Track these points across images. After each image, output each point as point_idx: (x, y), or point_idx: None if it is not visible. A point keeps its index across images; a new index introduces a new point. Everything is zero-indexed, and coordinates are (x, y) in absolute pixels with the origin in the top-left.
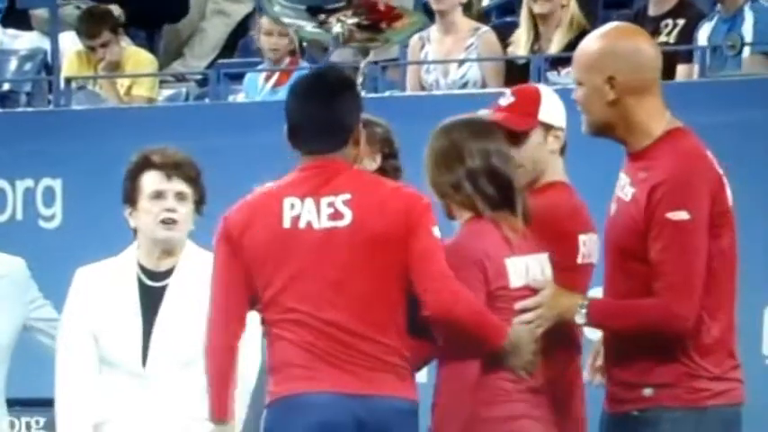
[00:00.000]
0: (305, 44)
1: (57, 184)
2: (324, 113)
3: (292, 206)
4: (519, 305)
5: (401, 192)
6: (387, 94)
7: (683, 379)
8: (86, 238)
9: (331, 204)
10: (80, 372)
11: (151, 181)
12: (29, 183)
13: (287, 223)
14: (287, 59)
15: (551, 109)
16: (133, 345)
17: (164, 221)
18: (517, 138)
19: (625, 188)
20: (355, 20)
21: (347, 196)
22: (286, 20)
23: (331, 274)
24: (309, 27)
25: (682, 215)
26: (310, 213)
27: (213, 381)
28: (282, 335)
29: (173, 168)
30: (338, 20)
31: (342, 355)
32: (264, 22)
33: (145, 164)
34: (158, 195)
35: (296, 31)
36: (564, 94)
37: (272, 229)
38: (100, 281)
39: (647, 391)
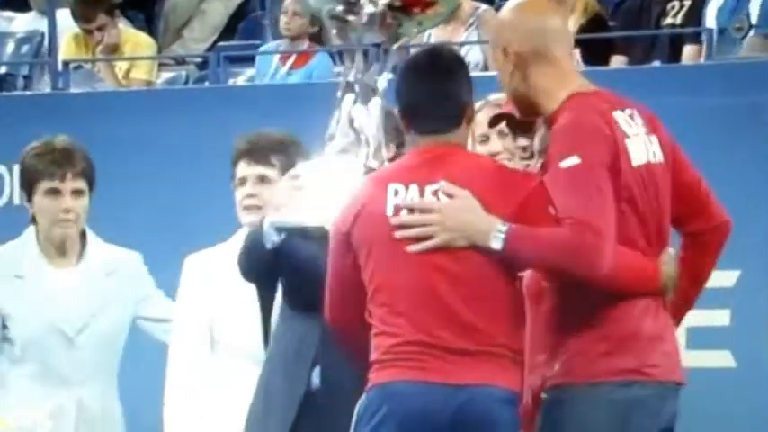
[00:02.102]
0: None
1: None
2: (442, 91)
3: (396, 192)
4: (396, 219)
5: (515, 176)
6: (390, 76)
7: (580, 353)
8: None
9: (435, 193)
10: (193, 362)
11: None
12: None
13: (390, 211)
14: (306, 44)
15: None
16: (254, 328)
17: (246, 207)
18: (529, 127)
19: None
20: (387, 1)
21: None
22: (314, 3)
23: None
24: (339, 8)
25: (573, 160)
26: (413, 202)
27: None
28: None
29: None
30: (370, 1)
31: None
32: (289, 2)
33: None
34: (242, 182)
35: (327, 12)
36: None
37: (376, 217)
38: (213, 267)
39: (556, 367)
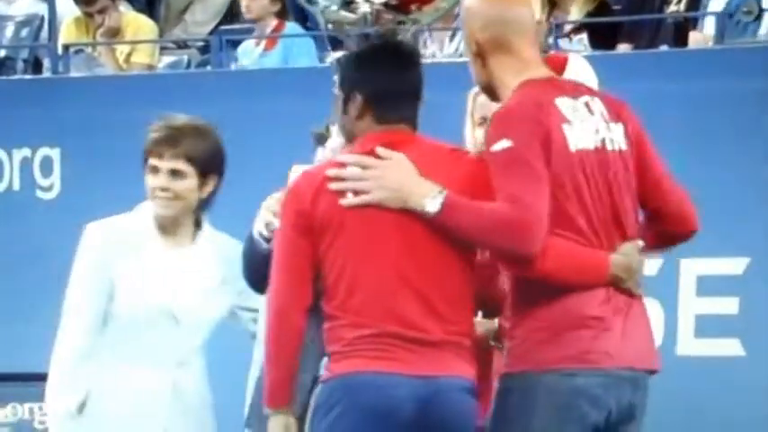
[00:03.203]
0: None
1: (55, 154)
2: (410, 80)
3: None
4: (332, 171)
5: (466, 158)
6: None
7: (525, 341)
8: (85, 208)
9: None
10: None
11: None
12: (26, 152)
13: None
14: (273, 22)
15: (580, 77)
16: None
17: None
18: None
19: None
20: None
21: None
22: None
23: None
24: (335, 7)
25: (504, 143)
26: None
27: None
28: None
29: None
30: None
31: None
32: None
33: None
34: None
35: (322, 11)
36: None
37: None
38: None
39: (505, 356)
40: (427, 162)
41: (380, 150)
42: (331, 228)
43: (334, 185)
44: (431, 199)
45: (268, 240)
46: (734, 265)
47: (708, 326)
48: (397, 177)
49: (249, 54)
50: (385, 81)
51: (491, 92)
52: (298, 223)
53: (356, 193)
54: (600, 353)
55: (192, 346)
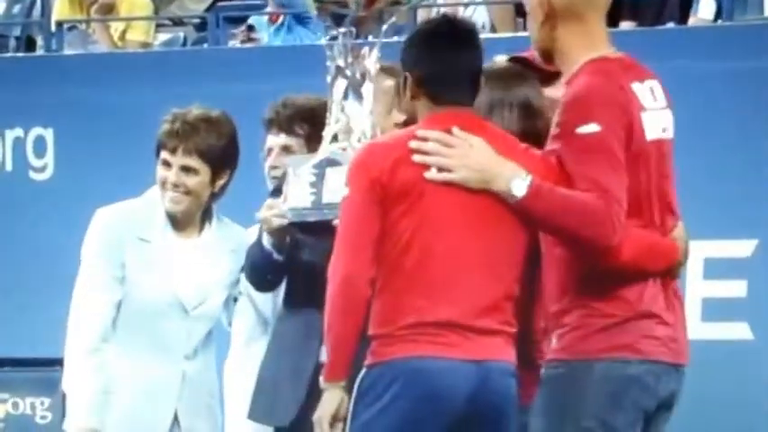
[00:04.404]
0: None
1: (48, 134)
2: (469, 62)
3: None
4: (416, 143)
5: (532, 153)
6: (394, 39)
7: (577, 329)
8: (79, 189)
9: None
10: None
11: None
12: (19, 132)
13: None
14: None
15: None
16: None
17: (271, 179)
18: (549, 78)
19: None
20: None
21: None
22: None
23: None
24: None
25: (591, 127)
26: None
27: None
28: None
29: None
30: None
31: None
32: None
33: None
34: (268, 153)
35: None
36: None
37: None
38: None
39: (554, 342)
40: (498, 146)
41: (457, 131)
42: (408, 198)
43: (417, 158)
44: (519, 182)
45: (280, 251)
46: (742, 248)
47: (715, 309)
48: (482, 159)
49: (265, 27)
50: (440, 61)
51: (548, 56)
52: (372, 191)
53: (439, 169)
54: (653, 344)
55: (201, 335)
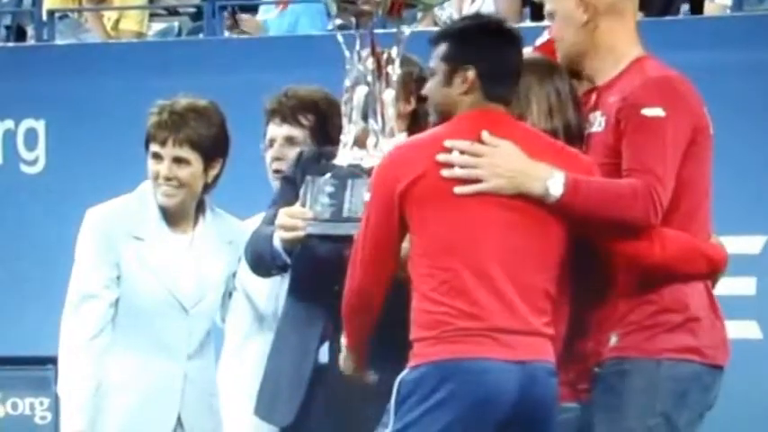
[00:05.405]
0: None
1: (39, 126)
2: (518, 64)
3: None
4: (444, 157)
5: (567, 151)
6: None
7: (641, 329)
8: (71, 183)
9: None
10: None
11: None
12: (9, 124)
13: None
14: None
15: None
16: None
17: (274, 171)
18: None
19: (596, 120)
20: None
21: None
22: None
23: None
24: None
25: (657, 111)
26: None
27: None
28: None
29: None
30: None
31: None
32: None
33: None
34: (270, 143)
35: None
36: None
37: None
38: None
39: (613, 340)
40: (530, 146)
41: (486, 137)
42: (442, 204)
43: (446, 173)
44: (553, 181)
45: (290, 254)
46: (750, 244)
47: (723, 307)
48: (511, 164)
49: (271, 10)
50: (498, 57)
51: (580, 59)
52: (394, 201)
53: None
54: (711, 347)
55: (202, 334)
